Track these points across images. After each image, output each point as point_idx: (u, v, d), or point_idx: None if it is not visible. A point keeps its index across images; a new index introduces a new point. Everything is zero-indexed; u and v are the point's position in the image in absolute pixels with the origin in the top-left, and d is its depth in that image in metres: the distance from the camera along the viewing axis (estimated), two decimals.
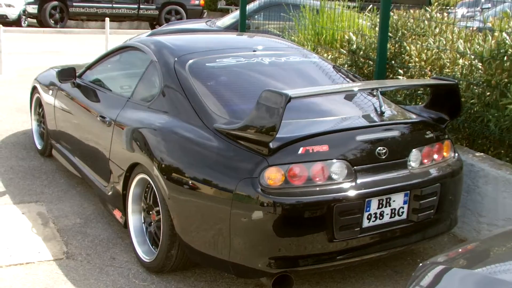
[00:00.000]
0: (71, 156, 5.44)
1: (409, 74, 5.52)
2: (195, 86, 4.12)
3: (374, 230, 3.66)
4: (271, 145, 3.45)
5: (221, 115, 3.88)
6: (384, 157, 3.72)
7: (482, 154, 4.46)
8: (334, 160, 3.57)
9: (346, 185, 3.57)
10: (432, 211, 3.86)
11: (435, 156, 3.99)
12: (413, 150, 3.86)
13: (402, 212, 3.74)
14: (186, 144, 3.83)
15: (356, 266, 4.04)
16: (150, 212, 4.18)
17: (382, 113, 4.03)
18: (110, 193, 4.59)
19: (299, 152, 3.50)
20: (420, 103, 5.19)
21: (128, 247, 4.43)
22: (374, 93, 4.17)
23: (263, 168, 3.43)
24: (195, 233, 3.72)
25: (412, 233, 3.87)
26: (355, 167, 3.62)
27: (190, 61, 4.37)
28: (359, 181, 3.61)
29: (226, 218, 3.49)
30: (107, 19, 11.93)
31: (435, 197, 3.85)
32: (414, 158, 3.87)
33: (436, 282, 2.31)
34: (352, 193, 3.55)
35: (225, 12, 19.30)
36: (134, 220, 4.31)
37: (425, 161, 3.92)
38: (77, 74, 5.36)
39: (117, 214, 4.51)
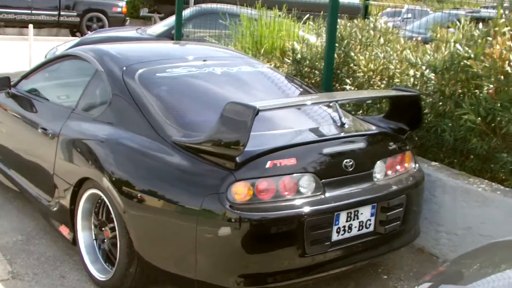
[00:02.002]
0: (7, 169, 5.13)
1: (356, 84, 5.51)
2: (148, 97, 3.95)
3: (343, 244, 3.60)
4: (237, 159, 3.32)
5: (177, 127, 3.73)
6: (351, 169, 3.67)
7: (437, 163, 4.48)
8: (302, 174, 3.48)
9: (315, 198, 3.49)
10: (398, 222, 3.83)
11: (398, 167, 3.97)
12: (378, 162, 3.83)
13: (369, 225, 3.70)
14: (143, 159, 3.66)
15: (320, 281, 3.96)
16: (103, 229, 3.97)
17: (343, 124, 3.98)
18: (55, 208, 4.33)
19: (267, 166, 3.39)
20: (371, 113, 5.18)
21: (78, 265, 4.20)
22: (331, 105, 4.10)
23: (230, 183, 3.30)
24: (157, 250, 3.55)
25: (379, 245, 3.83)
26: (323, 180, 3.55)
27: (140, 71, 4.19)
28: (327, 194, 3.54)
29: (191, 235, 3.34)
30: (31, 25, 11.43)
31: (401, 209, 3.83)
32: (379, 169, 3.83)
33: None
34: (322, 206, 3.47)
35: (147, 20, 19.00)
36: (84, 237, 4.09)
37: (389, 172, 3.89)
38: (11, 83, 5.04)
39: (64, 230, 4.26)
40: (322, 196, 3.51)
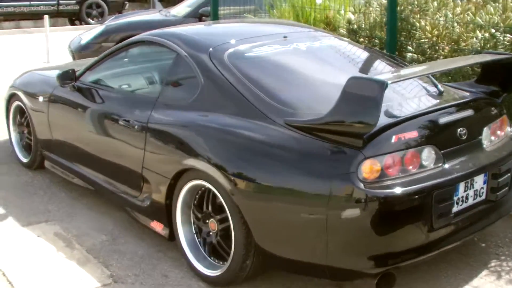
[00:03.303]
0: (77, 166, 4.92)
1: (420, 50, 5.34)
2: (246, 79, 3.76)
3: (462, 215, 3.49)
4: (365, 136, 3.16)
5: (285, 107, 3.54)
6: (464, 138, 3.53)
7: None
8: (424, 146, 3.33)
9: (438, 170, 3.37)
10: (507, 188, 3.73)
11: (499, 132, 3.85)
12: (484, 128, 3.69)
13: (482, 193, 3.58)
14: (255, 144, 3.48)
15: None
16: (207, 221, 3.78)
17: (441, 93, 3.84)
18: (145, 204, 4.15)
19: (392, 140, 3.23)
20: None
21: (175, 262, 4.03)
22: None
23: (360, 161, 3.14)
24: (282, 240, 3.38)
25: (491, 213, 3.73)
26: (442, 151, 3.41)
27: (228, 52, 3.99)
28: (447, 165, 3.41)
29: (321, 219, 3.18)
30: (46, 16, 11.09)
31: (509, 174, 3.72)
32: (486, 136, 3.71)
33: None
34: (446, 178, 3.36)
35: (143, 2, 18.66)
36: (185, 232, 3.91)
37: (493, 138, 3.77)
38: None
39: (157, 226, 4.09)
40: (444, 167, 3.39)
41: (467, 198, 3.48)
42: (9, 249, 4.23)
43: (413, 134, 3.30)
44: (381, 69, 4.15)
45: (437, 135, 3.46)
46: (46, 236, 4.41)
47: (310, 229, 3.25)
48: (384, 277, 3.29)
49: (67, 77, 4.75)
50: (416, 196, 3.22)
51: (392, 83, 3.15)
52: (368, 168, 3.16)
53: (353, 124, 3.15)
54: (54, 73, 5.13)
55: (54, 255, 4.14)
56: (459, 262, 3.91)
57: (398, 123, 3.33)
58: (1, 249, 4.23)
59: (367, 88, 3.12)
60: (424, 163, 3.33)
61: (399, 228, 3.23)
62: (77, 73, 4.82)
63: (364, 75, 3.30)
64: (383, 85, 3.06)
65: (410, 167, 3.28)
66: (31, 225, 4.61)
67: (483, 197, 3.61)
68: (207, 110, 3.78)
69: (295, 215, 3.28)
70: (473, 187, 3.51)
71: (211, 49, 4.02)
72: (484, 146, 3.68)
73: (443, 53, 5.29)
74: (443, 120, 3.49)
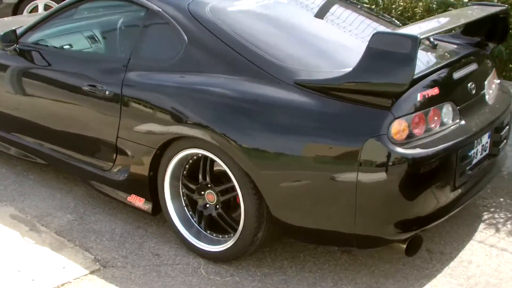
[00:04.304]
0: (22, 139, 4.39)
1: None
2: (238, 35, 3.41)
3: (473, 170, 3.40)
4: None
5: (291, 66, 3.25)
6: (473, 92, 3.42)
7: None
8: (444, 103, 3.18)
9: (457, 127, 3.24)
10: (505, 141, 3.67)
11: (493, 85, 3.76)
12: (485, 81, 3.60)
13: (487, 147, 3.51)
14: (266, 107, 3.16)
15: None
16: (202, 193, 3.45)
17: (435, 46, 3.69)
18: (119, 177, 3.74)
19: (418, 99, 3.05)
20: None
21: (160, 238, 3.73)
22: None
23: (390, 122, 2.93)
24: (304, 210, 3.13)
25: (492, 167, 3.67)
26: (458, 107, 3.27)
27: (209, 6, 3.60)
28: (463, 121, 3.29)
29: (350, 186, 2.96)
30: None
31: (508, 127, 3.67)
32: (486, 89, 3.61)
33: None
34: (468, 135, 3.24)
35: None
36: (175, 206, 3.55)
37: (490, 91, 3.68)
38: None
39: (137, 201, 3.72)
40: (460, 124, 3.27)
41: (476, 153, 3.38)
42: None
43: (435, 91, 3.13)
44: (384, 25, 3.93)
45: (453, 90, 3.32)
46: (2, 220, 3.89)
47: (338, 196, 3.02)
48: (412, 241, 3.13)
49: (8, 39, 4.14)
50: (444, 155, 3.07)
51: (422, 38, 2.92)
52: (398, 129, 2.96)
53: (383, 83, 2.91)
54: None
55: (21, 242, 3.66)
56: (454, 218, 3.80)
57: (420, 79, 3.13)
58: None
59: (398, 44, 2.89)
60: (445, 120, 3.18)
61: (427, 190, 3.08)
62: (18, 33, 4.21)
63: (388, 30, 3.04)
64: (416, 41, 2.85)
65: (433, 125, 3.12)
66: None
67: (487, 151, 3.53)
68: (196, 71, 3.41)
69: (320, 182, 3.04)
70: (481, 142, 3.41)
71: (189, 4, 3.60)
72: (487, 100, 3.58)
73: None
74: (456, 75, 3.36)
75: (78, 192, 4.25)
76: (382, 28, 3.82)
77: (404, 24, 4.10)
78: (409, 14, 5.56)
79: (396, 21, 4.31)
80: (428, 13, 5.41)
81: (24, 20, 5.15)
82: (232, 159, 3.16)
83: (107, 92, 3.63)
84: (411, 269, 3.41)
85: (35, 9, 7.54)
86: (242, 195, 3.21)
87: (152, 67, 3.57)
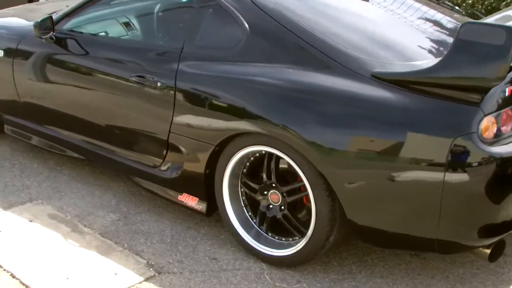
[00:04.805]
0: (58, 133, 4.12)
1: None
2: (306, 24, 3.14)
3: None
4: None
5: (367, 57, 2.98)
6: None
7: None
8: None
9: None
10: None
11: None
12: None
13: None
14: (341, 102, 2.89)
15: None
16: (265, 193, 3.20)
17: None
18: (169, 175, 3.48)
19: (506, 94, 2.79)
20: None
21: (214, 240, 3.49)
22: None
23: (480, 119, 2.67)
24: (382, 212, 2.88)
25: None
26: None
27: None
28: None
29: (436, 187, 2.70)
30: None
31: None
32: None
33: None
34: None
35: None
36: (234, 206, 3.30)
37: None
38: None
39: (189, 200, 3.45)
40: None
41: None
42: (3, 241, 3.40)
43: None
44: (448, 14, 3.67)
45: None
46: (41, 220, 3.63)
47: (422, 197, 2.77)
48: (495, 246, 2.89)
49: (45, 26, 3.85)
50: None
51: None
52: (487, 127, 2.71)
53: (474, 78, 2.65)
54: (11, 21, 4.22)
55: (65, 245, 3.39)
56: None
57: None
58: None
59: (491, 35, 2.62)
60: None
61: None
62: (54, 20, 3.92)
63: (478, 21, 2.77)
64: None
65: None
66: (14, 206, 3.79)
67: None
68: (260, 62, 3.14)
69: (402, 182, 2.78)
70: None
71: None
72: None
73: None
74: None
75: (118, 189, 3.99)
76: (448, 18, 3.56)
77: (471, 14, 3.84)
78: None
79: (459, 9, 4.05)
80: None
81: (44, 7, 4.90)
82: (304, 157, 2.91)
83: (158, 84, 3.36)
84: (487, 274, 3.18)
85: None
86: (314, 196, 2.96)
87: (209, 57, 3.30)
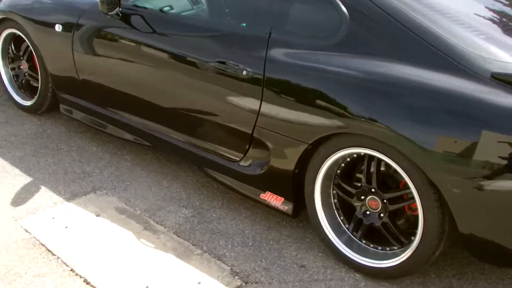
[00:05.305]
0: (121, 116, 3.82)
1: None
2: (415, 15, 2.79)
3: None
4: None
5: (483, 56, 2.63)
6: None
7: None
8: None
9: None
10: None
11: None
12: None
13: None
14: (460, 104, 2.55)
15: None
16: (362, 198, 2.90)
17: None
18: (252, 171, 3.18)
19: None
20: None
21: (299, 243, 3.22)
22: None
23: None
24: (504, 226, 2.56)
25: None
26: None
27: None
28: None
29: None
30: None
31: None
32: None
33: None
34: None
35: None
36: (325, 209, 3.00)
37: None
38: None
39: (273, 199, 3.17)
40: None
41: None
42: (69, 239, 3.16)
43: None
44: None
45: None
46: (108, 215, 3.35)
47: None
48: None
49: (112, 1, 3.51)
50: None
51: None
52: None
53: None
54: None
55: (138, 245, 3.12)
56: None
57: None
58: (60, 239, 3.14)
59: None
60: None
61: None
62: None
63: None
64: None
65: None
66: (78, 197, 3.52)
67: None
68: (362, 54, 2.80)
69: None
70: None
71: None
72: None
73: None
74: None
75: (186, 179, 3.70)
76: None
77: None
78: None
79: None
80: None
81: None
82: (414, 164, 2.59)
83: (244, 72, 3.03)
84: None
85: None
86: (423, 207, 2.66)
87: (302, 45, 2.96)
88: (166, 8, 3.64)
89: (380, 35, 2.80)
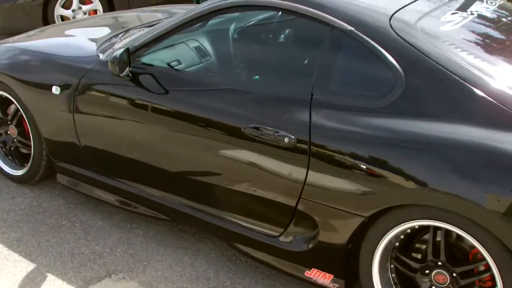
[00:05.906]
0: (132, 187, 3.46)
1: None
2: (476, 68, 2.56)
3: None
4: None
5: None
6: None
7: None
8: None
9: None
10: None
11: None
12: None
13: None
14: None
15: None
16: (427, 272, 2.63)
17: None
18: (296, 247, 2.89)
19: None
20: None
21: None
22: None
23: None
24: None
25: None
26: None
27: (420, 23, 2.73)
28: None
29: None
30: None
31: None
32: None
33: None
34: None
35: None
36: (384, 286, 2.72)
37: None
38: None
39: (321, 277, 2.87)
40: None
41: None
42: None
43: None
44: None
45: None
46: None
47: None
48: None
49: (120, 60, 3.17)
50: None
51: None
52: None
53: None
54: (66, 49, 3.56)
55: None
56: None
57: None
58: None
59: None
60: None
61: None
62: (130, 52, 3.24)
63: None
64: None
65: None
66: (91, 284, 3.14)
67: None
68: (423, 117, 2.54)
69: None
70: None
71: (390, 19, 2.73)
72: None
73: None
74: None
75: (209, 253, 3.36)
76: None
77: None
78: None
79: None
80: None
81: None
82: (490, 233, 2.33)
83: (286, 140, 2.73)
84: None
85: (68, 2, 6.45)
86: (504, 281, 2.39)
87: (351, 106, 2.68)
88: (173, 63, 3.32)
89: (440, 95, 2.55)
